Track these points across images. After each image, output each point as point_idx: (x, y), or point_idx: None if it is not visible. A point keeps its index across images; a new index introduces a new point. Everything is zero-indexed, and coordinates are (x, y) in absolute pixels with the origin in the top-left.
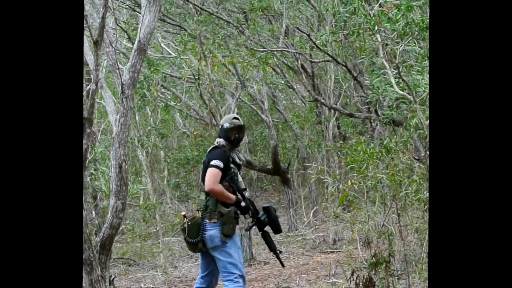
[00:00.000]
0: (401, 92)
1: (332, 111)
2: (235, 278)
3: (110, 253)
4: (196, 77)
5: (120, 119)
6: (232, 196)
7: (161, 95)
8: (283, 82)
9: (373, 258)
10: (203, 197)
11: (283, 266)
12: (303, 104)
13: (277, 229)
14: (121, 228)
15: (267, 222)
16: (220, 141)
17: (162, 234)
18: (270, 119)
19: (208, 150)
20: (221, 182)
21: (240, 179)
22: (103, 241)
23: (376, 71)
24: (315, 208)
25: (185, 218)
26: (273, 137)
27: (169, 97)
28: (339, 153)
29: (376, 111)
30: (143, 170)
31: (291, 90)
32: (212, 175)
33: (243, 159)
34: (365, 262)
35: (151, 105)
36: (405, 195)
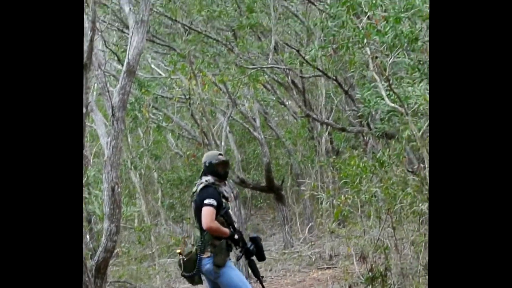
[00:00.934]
0: (392, 105)
1: (324, 126)
2: None
3: (105, 277)
4: (187, 97)
5: (112, 141)
6: (227, 231)
7: (152, 116)
8: (274, 98)
9: (370, 273)
10: (198, 233)
11: None
12: (295, 120)
13: (262, 258)
14: (116, 251)
15: (254, 251)
16: (208, 179)
17: (157, 255)
18: (262, 136)
19: (198, 190)
20: (216, 218)
21: (230, 211)
22: (98, 265)
23: (367, 84)
24: (310, 224)
25: (180, 255)
26: (266, 154)
27: (160, 118)
28: (332, 168)
29: (368, 125)
30: (136, 192)
31: (282, 106)
32: (208, 214)
33: (229, 190)
34: (361, 277)
35: (143, 126)
36: (400, 208)
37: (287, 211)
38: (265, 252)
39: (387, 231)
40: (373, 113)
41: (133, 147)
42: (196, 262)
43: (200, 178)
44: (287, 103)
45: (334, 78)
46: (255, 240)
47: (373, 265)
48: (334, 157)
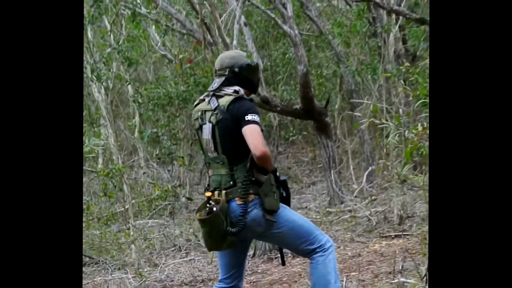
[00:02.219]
0: None
1: (394, 16)
2: (321, 241)
3: None
4: None
5: None
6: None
7: None
8: None
9: None
10: (223, 170)
11: (283, 264)
12: (348, 7)
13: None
14: None
15: (284, 198)
16: (239, 90)
17: (133, 215)
18: (296, 32)
19: (226, 103)
20: None
21: None
22: None
23: None
24: (369, 168)
25: (211, 203)
26: (302, 60)
27: (138, 1)
28: (405, 81)
29: None
30: (101, 116)
31: None
32: (260, 134)
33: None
34: None
35: (111, 13)
36: None
37: (334, 149)
38: (301, 211)
39: None
40: None
41: (96, 46)
42: (227, 213)
43: (218, 88)
44: None
45: None
46: (284, 185)
47: None
48: (407, 64)
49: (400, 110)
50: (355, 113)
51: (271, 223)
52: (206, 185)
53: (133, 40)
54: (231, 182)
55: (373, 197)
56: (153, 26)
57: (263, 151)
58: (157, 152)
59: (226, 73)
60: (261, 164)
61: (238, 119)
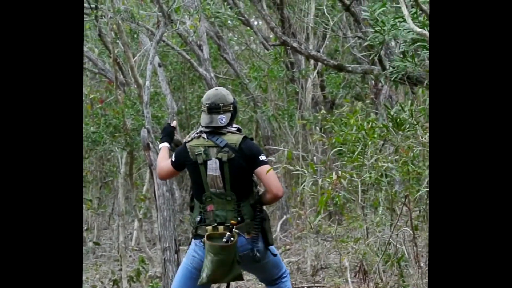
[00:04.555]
0: (419, 30)
1: (312, 61)
2: (284, 267)
3: None
4: (93, 5)
5: None
6: None
7: None
8: (232, 14)
9: None
10: (230, 206)
11: None
12: (266, 51)
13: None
14: None
15: None
16: (240, 128)
17: None
18: (212, 75)
19: (238, 142)
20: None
21: None
22: None
23: None
24: (284, 217)
25: (226, 235)
26: None
27: None
28: (321, 129)
29: (381, 62)
30: None
31: (246, 28)
32: (276, 176)
33: None
34: None
35: None
36: (426, 195)
37: None
38: None
39: (404, 232)
40: (389, 43)
41: None
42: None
43: (224, 126)
44: (253, 23)
45: None
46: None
47: (379, 286)
48: (324, 112)
49: (315, 158)
50: (271, 159)
51: (268, 255)
52: (201, 220)
53: None
54: (239, 218)
55: (287, 247)
56: None
57: (283, 192)
58: None
59: (231, 109)
60: (273, 202)
61: (251, 158)
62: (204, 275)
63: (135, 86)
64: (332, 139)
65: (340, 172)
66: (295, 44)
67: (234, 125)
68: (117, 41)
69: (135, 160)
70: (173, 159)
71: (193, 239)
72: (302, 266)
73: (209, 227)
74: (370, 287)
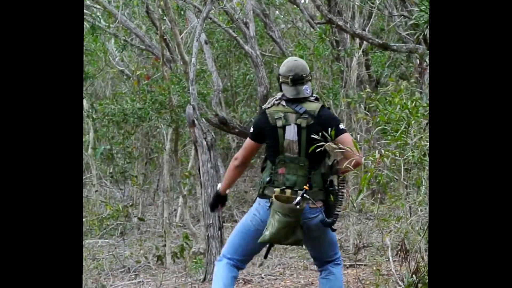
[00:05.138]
0: None
1: (358, 40)
2: (339, 254)
3: None
4: None
5: None
6: None
7: (85, 11)
8: None
9: (414, 276)
10: (301, 172)
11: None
12: (311, 29)
13: None
14: None
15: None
16: (318, 97)
17: (83, 233)
18: (258, 53)
19: (316, 109)
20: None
21: None
22: None
23: None
24: None
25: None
26: (263, 82)
27: (98, 14)
28: (366, 107)
29: (426, 41)
30: None
31: (292, 5)
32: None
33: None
34: (400, 283)
35: None
36: None
37: None
38: None
39: None
40: None
41: None
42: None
43: (305, 95)
44: (300, 1)
45: None
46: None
47: (420, 264)
48: (369, 90)
49: (359, 136)
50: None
51: (327, 230)
52: (270, 181)
53: (91, 54)
54: (308, 185)
55: None
56: (112, 40)
57: (362, 159)
58: (110, 170)
59: (310, 78)
60: (352, 169)
61: (330, 126)
62: (267, 233)
63: (181, 63)
64: (376, 117)
65: (383, 151)
66: (340, 23)
67: (314, 95)
68: (164, 17)
69: (181, 137)
70: (252, 130)
71: (258, 198)
72: (345, 244)
73: (277, 189)
74: (412, 266)
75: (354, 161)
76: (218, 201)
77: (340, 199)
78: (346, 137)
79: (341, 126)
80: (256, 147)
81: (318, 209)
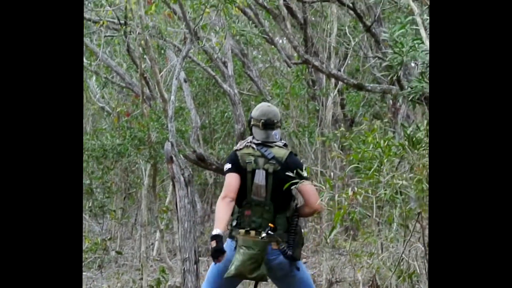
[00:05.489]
0: None
1: (333, 80)
2: None
3: None
4: (122, 22)
5: None
6: None
7: None
8: (257, 33)
9: None
10: (267, 215)
11: None
12: (289, 69)
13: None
14: None
15: None
16: (286, 143)
17: None
18: (236, 91)
19: (284, 156)
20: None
21: None
22: None
23: (400, 18)
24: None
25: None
26: (241, 119)
27: None
28: (340, 146)
29: (399, 82)
30: None
31: (270, 46)
32: (315, 191)
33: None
34: None
35: None
36: None
37: None
38: None
39: (416, 248)
40: (408, 64)
41: None
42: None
43: (274, 140)
44: (277, 41)
45: (350, 5)
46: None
47: None
48: (343, 129)
49: (333, 174)
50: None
51: (293, 269)
52: (237, 223)
53: None
54: (273, 226)
55: (303, 260)
56: (93, 78)
57: (322, 207)
58: (89, 204)
59: (280, 124)
60: (311, 215)
61: (297, 171)
62: (233, 267)
63: (161, 101)
64: (350, 156)
65: (356, 188)
66: (317, 63)
67: (282, 141)
68: (145, 56)
69: (159, 173)
70: (229, 166)
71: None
72: (318, 279)
73: (242, 230)
74: None
75: (310, 209)
76: (222, 243)
77: (290, 237)
78: (306, 185)
79: (304, 173)
80: (239, 178)
81: (279, 250)
